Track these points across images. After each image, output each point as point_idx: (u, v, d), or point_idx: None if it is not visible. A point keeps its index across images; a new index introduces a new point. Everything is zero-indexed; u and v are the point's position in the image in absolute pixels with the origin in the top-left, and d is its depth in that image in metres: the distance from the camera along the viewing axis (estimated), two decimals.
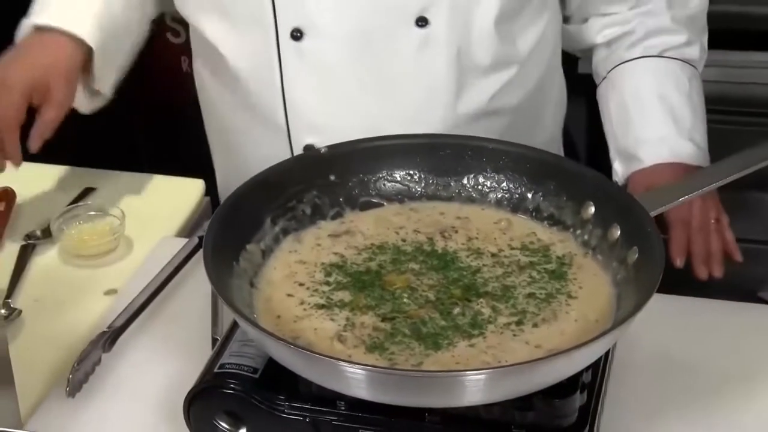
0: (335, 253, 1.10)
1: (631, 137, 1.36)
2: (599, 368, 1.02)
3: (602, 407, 1.01)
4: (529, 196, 1.15)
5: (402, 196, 1.18)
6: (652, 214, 1.05)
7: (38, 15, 1.34)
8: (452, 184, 1.17)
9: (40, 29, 1.33)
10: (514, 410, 0.95)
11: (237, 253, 1.06)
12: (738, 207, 1.34)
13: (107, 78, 1.38)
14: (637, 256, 1.03)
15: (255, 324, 0.95)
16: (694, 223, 1.27)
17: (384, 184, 1.17)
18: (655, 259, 0.99)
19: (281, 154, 1.37)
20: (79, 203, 1.44)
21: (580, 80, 1.57)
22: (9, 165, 1.31)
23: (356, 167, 1.16)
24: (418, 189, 1.18)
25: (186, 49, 1.56)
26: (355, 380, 0.91)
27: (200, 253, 1.29)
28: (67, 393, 1.09)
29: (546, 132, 1.47)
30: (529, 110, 1.42)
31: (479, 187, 1.17)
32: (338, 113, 1.34)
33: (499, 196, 1.16)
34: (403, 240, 1.12)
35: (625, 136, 1.37)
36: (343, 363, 0.91)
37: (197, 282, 1.27)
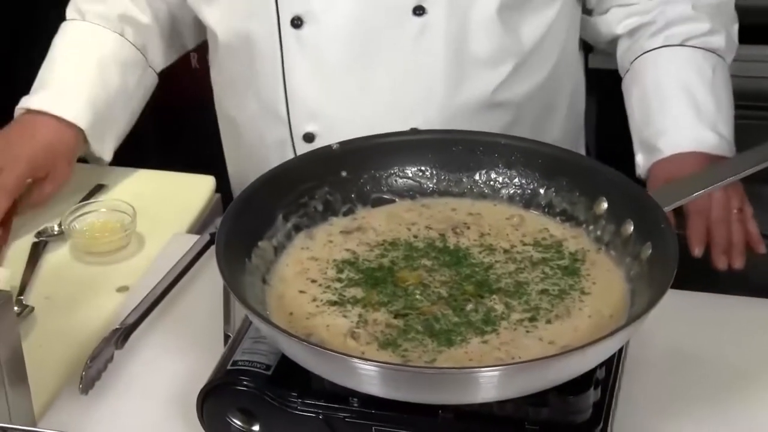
0: (347, 250, 1.10)
1: (652, 128, 1.34)
2: (613, 364, 1.02)
3: (616, 403, 1.01)
4: (542, 191, 1.15)
5: (414, 192, 1.17)
6: (666, 209, 1.05)
7: (32, 98, 1.40)
8: (464, 180, 1.17)
9: (30, 111, 1.39)
10: (528, 407, 0.94)
11: (249, 249, 1.06)
12: (751, 201, 1.33)
13: (106, 147, 1.45)
14: (650, 251, 1.02)
15: (268, 321, 0.95)
16: (714, 212, 1.25)
17: (396, 181, 1.17)
18: (669, 254, 0.98)
19: (283, 143, 1.38)
20: (90, 200, 1.44)
21: (590, 75, 1.57)
22: None
23: (368, 163, 1.16)
24: (430, 185, 1.17)
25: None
26: (369, 377, 0.91)
27: (212, 249, 1.29)
28: (81, 390, 1.09)
29: (559, 127, 1.46)
30: (538, 104, 1.41)
31: (491, 182, 1.17)
32: (336, 101, 1.34)
33: (512, 191, 1.16)
34: (415, 236, 1.12)
35: (646, 127, 1.35)
36: (356, 360, 0.91)
37: (209, 278, 1.27)
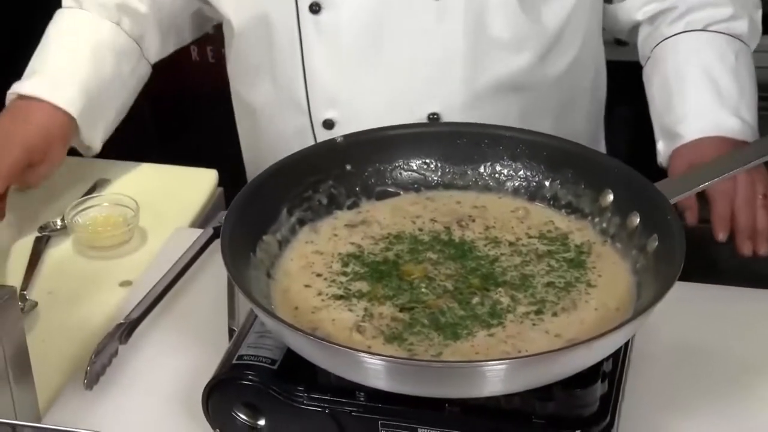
0: (352, 243, 1.10)
1: (673, 114, 1.32)
2: (619, 357, 1.01)
3: (623, 396, 1.00)
4: (547, 184, 1.14)
5: (418, 185, 1.17)
6: (673, 201, 1.04)
7: (24, 84, 1.39)
8: (469, 172, 1.17)
9: (22, 96, 1.38)
10: (535, 400, 0.94)
11: (254, 243, 1.05)
12: None
13: (96, 136, 1.43)
14: (657, 244, 1.02)
15: (274, 315, 0.95)
16: (738, 197, 1.23)
17: (400, 173, 1.17)
18: (676, 247, 0.98)
19: (303, 131, 1.37)
20: (93, 194, 1.43)
21: None
22: None
23: (372, 156, 1.16)
24: (435, 178, 1.17)
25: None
26: (375, 371, 0.91)
27: (215, 244, 1.29)
28: (85, 385, 1.08)
29: (582, 117, 1.45)
30: (561, 93, 1.40)
31: (496, 175, 1.16)
32: (355, 87, 1.34)
33: (516, 184, 1.16)
34: (420, 229, 1.12)
35: (667, 113, 1.33)
36: (362, 354, 0.91)
37: (212, 273, 1.27)
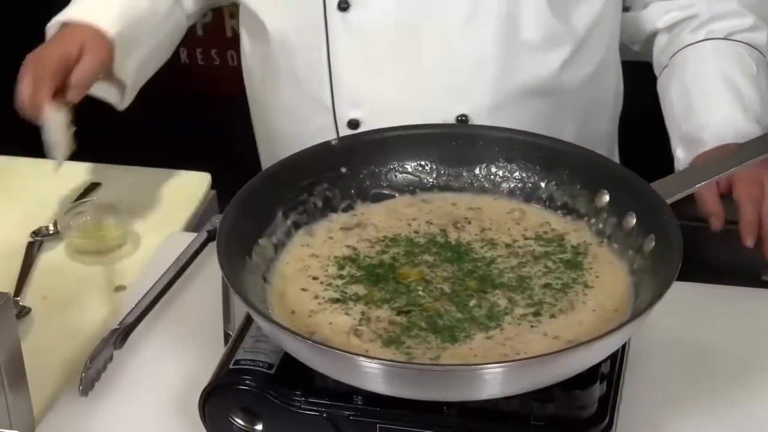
0: (348, 246, 1.09)
1: (694, 121, 1.31)
2: (617, 358, 1.01)
3: (620, 397, 1.00)
4: (542, 185, 1.14)
5: (413, 188, 1.16)
6: (669, 201, 1.04)
7: (64, 13, 1.35)
8: (464, 174, 1.16)
9: (64, 24, 1.34)
10: (534, 402, 0.94)
11: (250, 247, 1.05)
12: None
13: (129, 68, 1.37)
14: (653, 244, 1.02)
15: (271, 320, 0.94)
16: (767, 202, 1.21)
17: (395, 176, 1.16)
18: (673, 247, 0.98)
19: (325, 130, 1.36)
20: (85, 199, 1.43)
21: None
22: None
23: (367, 159, 1.15)
24: (430, 180, 1.17)
25: (182, 40, 1.55)
26: (373, 375, 0.90)
27: (209, 247, 1.29)
28: (80, 391, 1.08)
29: (605, 123, 1.43)
30: (586, 97, 1.39)
31: (491, 176, 1.16)
32: (383, 87, 1.33)
33: (512, 185, 1.15)
34: (416, 232, 1.11)
35: (687, 121, 1.32)
36: (361, 358, 0.90)
37: (207, 277, 1.26)
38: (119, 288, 1.29)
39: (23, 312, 1.23)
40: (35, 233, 1.37)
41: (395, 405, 0.95)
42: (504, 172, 1.16)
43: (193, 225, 1.44)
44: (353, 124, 1.35)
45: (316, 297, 1.03)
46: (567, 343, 0.96)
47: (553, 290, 1.03)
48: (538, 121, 1.31)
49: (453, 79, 1.31)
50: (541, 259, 1.07)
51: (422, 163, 1.16)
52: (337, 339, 0.98)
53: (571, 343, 0.95)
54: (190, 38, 1.54)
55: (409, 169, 1.16)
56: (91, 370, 1.09)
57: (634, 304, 1.01)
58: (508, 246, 1.09)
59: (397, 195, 1.16)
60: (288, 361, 0.97)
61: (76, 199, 1.42)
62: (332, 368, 0.94)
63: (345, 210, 1.14)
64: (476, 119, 1.32)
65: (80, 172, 1.50)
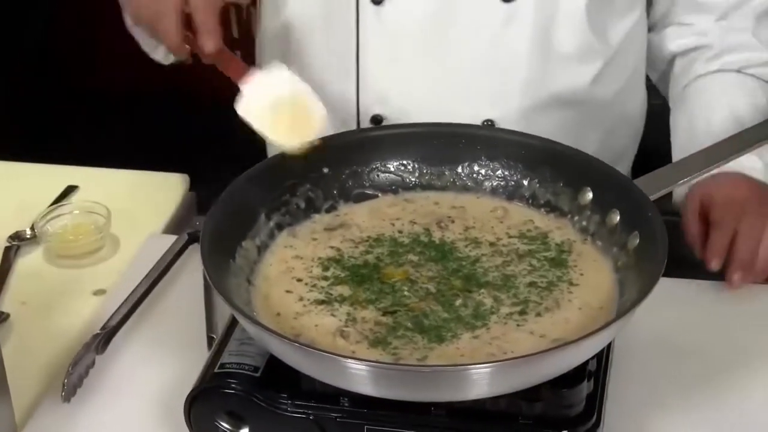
0: (332, 247, 1.09)
1: (695, 149, 1.27)
2: (603, 355, 1.01)
3: (607, 395, 1.00)
4: (525, 183, 1.14)
5: (396, 187, 1.16)
6: (653, 197, 1.04)
7: None
8: (446, 173, 1.16)
9: None
10: (521, 401, 0.94)
11: (233, 250, 1.04)
12: None
13: None
14: (638, 241, 1.02)
15: (258, 323, 0.93)
16: (743, 227, 1.19)
17: (377, 175, 1.16)
18: (658, 243, 0.98)
19: (346, 125, 1.33)
20: (62, 202, 1.41)
21: None
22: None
23: (349, 159, 1.15)
24: (412, 179, 1.16)
25: None
26: (360, 377, 0.90)
27: (190, 250, 1.28)
28: (63, 398, 1.06)
29: (629, 136, 1.42)
30: (614, 112, 1.38)
31: (474, 175, 1.16)
32: (410, 85, 1.31)
33: (495, 184, 1.15)
34: (400, 231, 1.11)
35: (689, 149, 1.28)
36: (348, 360, 0.90)
37: (187, 279, 1.25)
38: (99, 292, 1.27)
39: (2, 318, 1.21)
40: (12, 238, 1.36)
41: (382, 406, 0.94)
42: (486, 171, 1.15)
43: (173, 227, 1.42)
44: (377, 119, 1.32)
45: (301, 299, 1.02)
46: (553, 341, 0.96)
47: (538, 288, 1.03)
48: (563, 132, 1.29)
49: (482, 83, 1.30)
50: (525, 258, 1.07)
51: (404, 162, 1.16)
52: (323, 341, 0.97)
53: (558, 341, 0.96)
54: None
55: (392, 169, 1.16)
56: (74, 376, 1.08)
57: (620, 301, 1.01)
58: (492, 244, 1.09)
59: (379, 195, 1.16)
60: (274, 363, 0.96)
61: (53, 203, 1.40)
62: (319, 370, 0.93)
63: (328, 210, 1.14)
64: (503, 125, 1.30)
65: (55, 175, 1.48)
